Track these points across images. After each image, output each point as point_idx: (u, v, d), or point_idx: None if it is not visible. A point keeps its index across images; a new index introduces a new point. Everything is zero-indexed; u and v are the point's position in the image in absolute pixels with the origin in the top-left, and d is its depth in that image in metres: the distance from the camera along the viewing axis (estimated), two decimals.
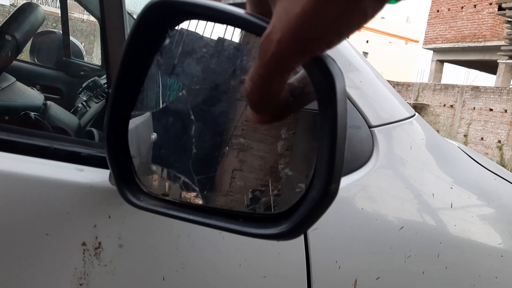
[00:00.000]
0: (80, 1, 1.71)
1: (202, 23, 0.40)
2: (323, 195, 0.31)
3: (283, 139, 0.39)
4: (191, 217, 0.40)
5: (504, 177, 0.83)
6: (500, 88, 11.43)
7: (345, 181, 0.59)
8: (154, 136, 0.45)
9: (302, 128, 0.37)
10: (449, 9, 16.11)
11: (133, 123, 0.45)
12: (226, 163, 0.41)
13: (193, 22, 0.40)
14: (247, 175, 0.41)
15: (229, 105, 0.42)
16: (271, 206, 0.39)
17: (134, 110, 0.44)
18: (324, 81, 0.29)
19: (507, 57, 13.10)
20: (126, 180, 0.44)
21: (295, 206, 0.34)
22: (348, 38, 0.27)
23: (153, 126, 0.45)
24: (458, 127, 11.90)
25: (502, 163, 10.09)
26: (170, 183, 0.45)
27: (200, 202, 0.44)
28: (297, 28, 0.23)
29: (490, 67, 15.78)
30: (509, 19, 12.11)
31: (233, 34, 0.40)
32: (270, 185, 0.39)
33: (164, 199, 0.44)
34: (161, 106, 0.45)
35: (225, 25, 0.39)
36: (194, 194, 0.43)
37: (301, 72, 0.32)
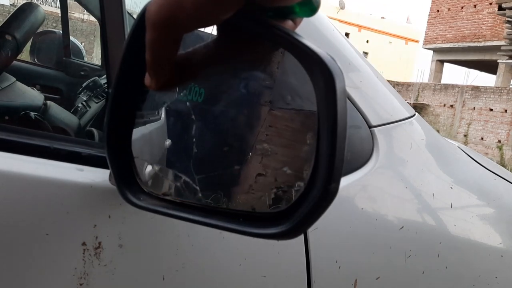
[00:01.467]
0: (80, 1, 1.71)
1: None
2: (323, 194, 0.31)
3: (308, 144, 0.39)
4: (191, 216, 0.40)
5: (504, 177, 0.83)
6: (500, 88, 11.43)
7: (345, 181, 0.59)
8: (168, 142, 0.45)
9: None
10: (449, 9, 16.11)
11: (147, 129, 0.45)
12: (249, 169, 0.41)
13: None
14: (270, 180, 0.40)
15: (252, 110, 0.41)
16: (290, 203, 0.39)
17: (141, 109, 0.44)
18: (324, 80, 0.29)
19: (507, 57, 13.10)
20: (126, 180, 0.44)
21: (295, 205, 0.34)
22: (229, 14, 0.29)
23: (168, 132, 0.45)
24: (458, 127, 11.90)
25: (502, 163, 10.08)
26: (173, 183, 0.45)
27: (202, 202, 0.44)
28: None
29: (490, 67, 15.78)
30: (509, 19, 12.11)
31: None
32: (293, 190, 0.39)
33: (165, 199, 0.44)
34: (173, 107, 0.45)
35: None
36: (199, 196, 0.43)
37: (200, 44, 0.34)
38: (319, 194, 0.31)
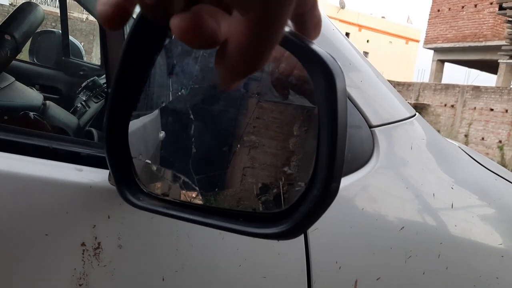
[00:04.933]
0: (79, 0, 1.70)
1: None
2: (324, 194, 0.30)
3: (295, 136, 0.39)
4: (191, 216, 0.40)
5: (505, 177, 0.82)
6: (501, 88, 11.43)
7: (345, 181, 0.59)
8: (162, 134, 0.45)
9: (314, 125, 0.37)
10: (449, 8, 16.10)
11: (141, 121, 0.45)
12: (237, 161, 0.41)
13: None
14: (258, 172, 0.41)
15: (240, 103, 0.41)
16: (282, 204, 0.39)
17: (141, 110, 0.44)
18: (324, 80, 0.29)
19: (507, 57, 13.09)
20: (126, 180, 0.44)
21: (295, 205, 0.34)
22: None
23: (161, 124, 0.45)
24: (459, 127, 11.90)
25: (502, 163, 10.08)
26: (172, 183, 0.45)
27: (200, 201, 0.44)
28: None
29: (490, 67, 15.77)
30: (510, 19, 12.11)
31: None
32: (281, 182, 0.39)
33: (164, 199, 0.44)
34: (169, 105, 0.44)
35: None
36: (195, 193, 0.43)
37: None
38: (319, 194, 0.31)
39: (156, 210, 0.43)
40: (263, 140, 0.40)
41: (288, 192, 0.39)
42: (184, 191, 0.44)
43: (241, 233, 0.37)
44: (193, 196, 0.44)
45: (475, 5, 15.15)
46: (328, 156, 0.30)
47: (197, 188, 0.43)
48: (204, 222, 0.39)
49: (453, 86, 12.29)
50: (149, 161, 0.46)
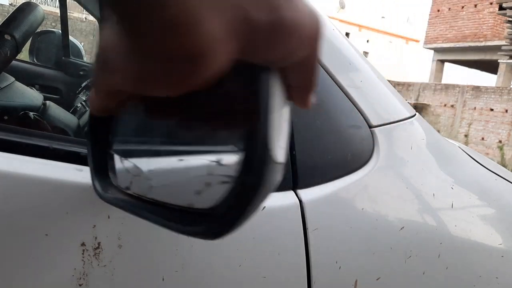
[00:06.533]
0: (79, 0, 1.70)
1: None
2: (240, 190, 0.25)
3: None
4: (140, 212, 0.39)
5: (505, 178, 0.82)
6: (501, 88, 11.43)
7: (345, 181, 0.59)
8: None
9: None
10: (449, 8, 16.11)
11: None
12: None
13: None
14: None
15: None
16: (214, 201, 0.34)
17: None
18: None
19: (507, 57, 13.10)
20: (101, 174, 0.44)
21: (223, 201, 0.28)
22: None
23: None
24: (458, 127, 11.90)
25: (503, 163, 10.07)
26: (134, 177, 0.44)
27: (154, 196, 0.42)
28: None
29: (490, 67, 15.77)
30: (510, 19, 12.11)
31: None
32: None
33: (127, 193, 0.43)
34: None
35: None
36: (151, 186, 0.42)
37: None
38: (235, 191, 0.25)
39: (118, 204, 0.43)
40: None
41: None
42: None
43: (168, 228, 0.33)
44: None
45: (475, 5, 15.16)
46: (247, 141, 0.24)
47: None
48: (145, 216, 0.39)
49: (453, 86, 12.30)
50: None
